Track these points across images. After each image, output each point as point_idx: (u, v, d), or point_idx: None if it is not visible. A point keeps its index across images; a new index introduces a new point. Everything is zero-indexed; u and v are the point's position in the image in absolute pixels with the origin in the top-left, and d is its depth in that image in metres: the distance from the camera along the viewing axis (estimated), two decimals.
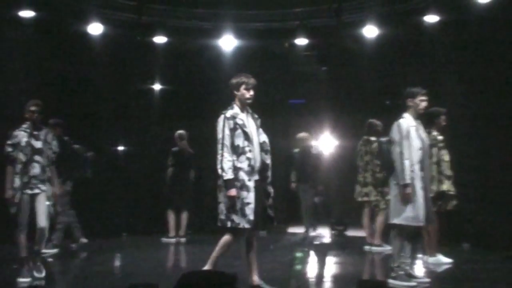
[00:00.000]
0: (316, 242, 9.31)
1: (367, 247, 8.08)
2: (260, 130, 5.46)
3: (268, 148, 5.46)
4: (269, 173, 5.43)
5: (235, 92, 5.45)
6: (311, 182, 9.64)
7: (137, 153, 10.81)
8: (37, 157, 6.08)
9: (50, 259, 7.41)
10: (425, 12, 9.07)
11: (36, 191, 6.05)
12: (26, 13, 8.75)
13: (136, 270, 6.88)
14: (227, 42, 10.20)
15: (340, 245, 9.18)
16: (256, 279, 5.42)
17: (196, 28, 10.32)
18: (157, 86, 11.31)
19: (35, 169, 6.06)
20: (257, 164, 5.33)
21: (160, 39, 10.07)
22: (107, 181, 9.94)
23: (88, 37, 9.42)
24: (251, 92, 5.39)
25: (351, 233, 10.04)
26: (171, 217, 9.09)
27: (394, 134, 5.88)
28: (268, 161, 5.43)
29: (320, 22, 10.21)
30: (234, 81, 5.46)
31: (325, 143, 11.51)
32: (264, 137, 5.45)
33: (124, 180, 10.33)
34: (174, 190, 9.08)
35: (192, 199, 9.31)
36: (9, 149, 6.08)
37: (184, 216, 9.12)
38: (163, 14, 10.09)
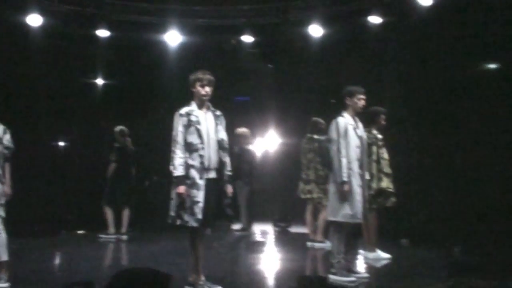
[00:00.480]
0: (252, 240, 9.33)
1: (309, 244, 8.17)
2: (220, 127, 5.38)
3: (226, 146, 5.39)
4: (227, 171, 5.37)
5: (192, 89, 5.39)
6: (246, 179, 9.56)
7: (77, 149, 10.56)
8: None
9: None
10: (369, 13, 9.25)
11: None
12: None
13: (74, 268, 6.73)
14: (173, 38, 10.09)
15: (283, 241, 9.26)
16: (200, 277, 5.38)
17: (140, 22, 10.15)
18: (99, 81, 11.08)
19: None
20: (212, 162, 5.27)
21: (103, 33, 9.86)
22: (45, 177, 9.65)
23: (27, 28, 9.11)
24: (207, 89, 5.32)
25: (294, 229, 10.12)
26: (109, 213, 8.90)
27: (332, 132, 5.96)
28: (226, 159, 5.36)
29: (267, 20, 10.25)
30: (190, 77, 5.41)
31: (269, 140, 11.56)
32: (222, 134, 5.37)
33: (63, 176, 10.07)
34: (116, 186, 8.91)
35: (133, 196, 9.16)
36: None
37: (126, 213, 8.97)
38: (107, 6, 9.88)
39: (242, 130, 9.75)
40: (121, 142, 9.02)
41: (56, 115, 10.13)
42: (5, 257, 5.56)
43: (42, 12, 9.09)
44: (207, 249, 5.75)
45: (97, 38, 9.90)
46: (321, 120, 8.20)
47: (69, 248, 8.42)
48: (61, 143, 11.11)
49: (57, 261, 7.88)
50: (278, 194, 11.02)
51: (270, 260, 7.79)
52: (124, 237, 8.92)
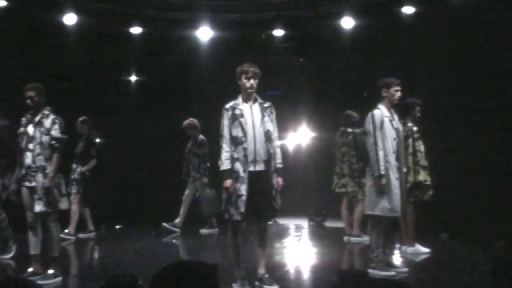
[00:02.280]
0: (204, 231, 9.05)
1: (346, 238, 8.11)
2: (267, 118, 5.33)
3: (273, 137, 5.34)
4: (274, 163, 5.32)
5: (238, 82, 5.39)
6: (195, 174, 8.91)
7: (113, 144, 10.68)
8: (30, 145, 5.64)
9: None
10: (402, 3, 9.11)
11: (33, 183, 5.62)
12: None
13: (118, 262, 6.89)
14: (204, 33, 10.12)
15: (319, 236, 9.22)
16: (260, 271, 5.38)
17: (172, 19, 10.23)
18: (133, 78, 11.19)
19: (28, 159, 5.64)
20: (258, 155, 5.23)
21: (135, 30, 9.95)
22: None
23: (63, 27, 9.26)
24: (251, 81, 5.30)
25: (329, 224, 10.07)
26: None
27: (368, 124, 5.90)
28: (272, 150, 5.31)
29: (298, 13, 10.19)
30: (237, 70, 5.40)
31: (302, 134, 11.51)
32: (269, 126, 5.32)
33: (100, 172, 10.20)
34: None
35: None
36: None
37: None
38: (139, 4, 9.97)
39: (189, 120, 9.04)
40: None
41: (93, 112, 10.25)
42: (56, 253, 5.72)
43: (77, 11, 9.22)
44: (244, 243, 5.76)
45: (129, 35, 9.99)
46: (354, 113, 8.12)
47: (110, 242, 8.56)
48: (97, 139, 11.23)
49: (101, 255, 8.05)
50: (312, 189, 10.97)
51: (308, 255, 7.76)
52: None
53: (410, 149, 6.88)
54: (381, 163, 5.73)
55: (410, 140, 6.88)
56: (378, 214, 5.82)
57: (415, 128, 7.04)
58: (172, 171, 9.52)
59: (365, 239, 7.57)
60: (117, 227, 9.82)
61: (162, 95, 10.72)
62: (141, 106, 10.78)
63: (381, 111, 5.94)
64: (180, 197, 9.06)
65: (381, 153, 5.77)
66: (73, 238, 8.37)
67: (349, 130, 7.97)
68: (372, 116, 5.91)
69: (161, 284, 2.15)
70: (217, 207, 7.57)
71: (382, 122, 5.86)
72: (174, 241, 8.69)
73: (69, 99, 9.77)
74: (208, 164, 8.88)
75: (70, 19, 9.21)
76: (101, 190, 9.52)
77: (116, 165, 10.36)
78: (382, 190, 5.74)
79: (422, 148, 7.00)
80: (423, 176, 6.92)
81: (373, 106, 6.06)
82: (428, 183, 6.96)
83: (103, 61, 10.28)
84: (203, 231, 9.04)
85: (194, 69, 10.63)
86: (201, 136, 9.01)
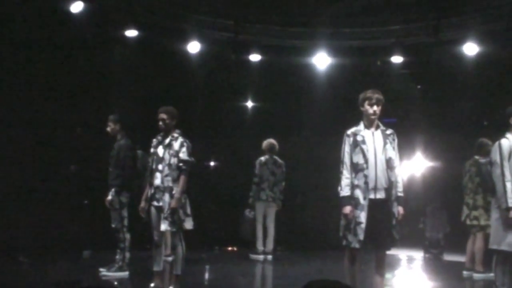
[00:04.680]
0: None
1: (466, 273, 7.68)
2: (388, 145, 5.27)
3: (394, 164, 5.26)
4: (395, 191, 5.23)
5: (361, 108, 5.38)
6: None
7: (227, 169, 11.01)
8: (159, 166, 5.87)
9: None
10: None
11: (161, 203, 5.84)
12: (131, 33, 9.26)
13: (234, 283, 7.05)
14: (321, 60, 10.23)
15: (436, 269, 8.83)
16: None
17: (290, 46, 10.44)
18: (249, 103, 11.54)
19: (157, 180, 5.87)
20: (379, 182, 5.16)
21: (255, 57, 10.29)
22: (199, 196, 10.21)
23: (187, 55, 9.81)
24: (375, 108, 5.27)
25: (447, 257, 9.59)
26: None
27: (495, 154, 5.66)
28: (394, 178, 5.22)
29: (417, 39, 10.00)
30: (360, 96, 5.40)
31: (417, 163, 11.19)
32: (391, 153, 5.25)
33: (214, 194, 10.55)
34: None
35: None
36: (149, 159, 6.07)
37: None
38: (258, 32, 10.31)
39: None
40: None
41: (208, 135, 10.68)
42: (179, 271, 5.96)
43: (200, 40, 9.73)
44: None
45: (249, 62, 10.35)
46: (488, 141, 7.71)
47: (223, 263, 8.75)
48: (212, 163, 11.64)
49: (216, 275, 8.22)
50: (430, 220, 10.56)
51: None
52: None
53: None
54: (509, 194, 5.46)
55: None
56: (504, 249, 5.52)
57: None
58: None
59: (490, 275, 7.13)
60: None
61: (278, 121, 10.92)
62: (256, 132, 11.06)
63: (509, 141, 5.68)
64: None
65: (509, 185, 5.50)
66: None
67: (482, 160, 7.55)
68: (499, 145, 5.66)
69: None
70: None
71: (510, 152, 5.60)
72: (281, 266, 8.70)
73: (189, 122, 10.28)
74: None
75: (194, 47, 9.75)
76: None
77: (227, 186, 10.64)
78: (510, 223, 5.44)
79: None
80: None
81: (495, 135, 5.81)
82: None
83: (223, 87, 10.71)
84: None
85: (311, 96, 10.74)
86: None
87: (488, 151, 7.45)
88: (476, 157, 7.70)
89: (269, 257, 8.98)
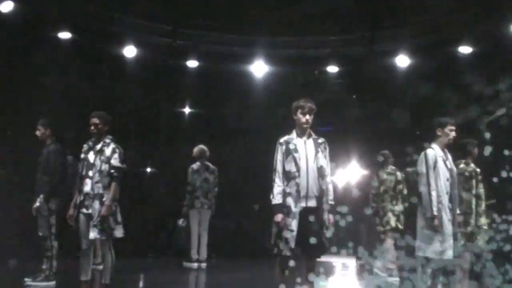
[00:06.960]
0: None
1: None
2: (320, 154, 5.29)
3: (325, 173, 5.29)
4: (326, 199, 5.26)
5: (294, 117, 5.40)
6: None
7: (163, 176, 10.88)
8: (90, 173, 5.70)
9: None
10: (458, 43, 9.03)
11: (90, 210, 5.66)
12: (64, 35, 9.01)
13: None
14: (259, 68, 10.28)
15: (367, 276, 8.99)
16: None
17: (228, 53, 10.45)
18: (187, 109, 11.45)
19: (87, 186, 5.69)
20: (310, 190, 5.20)
21: (192, 63, 10.22)
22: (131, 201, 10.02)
23: (123, 59, 9.63)
24: (307, 117, 5.30)
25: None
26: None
27: (421, 164, 5.81)
28: (325, 186, 5.26)
29: (352, 50, 10.24)
30: (293, 105, 5.41)
31: (352, 171, 11.41)
32: (322, 162, 5.28)
33: (148, 200, 10.39)
34: None
35: None
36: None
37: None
38: (196, 38, 10.26)
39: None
40: None
41: (144, 141, 10.52)
42: (107, 281, 5.79)
43: (137, 44, 9.59)
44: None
45: (186, 68, 10.27)
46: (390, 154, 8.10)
47: (156, 272, 8.59)
48: (148, 169, 11.46)
49: (146, 284, 8.01)
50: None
51: None
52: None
53: (474, 191, 6.68)
54: (434, 203, 5.61)
55: (473, 181, 6.70)
56: (429, 256, 5.67)
57: (478, 170, 6.84)
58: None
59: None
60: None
61: (214, 127, 10.89)
62: (191, 137, 10.98)
63: (434, 151, 5.85)
64: None
65: (434, 194, 5.65)
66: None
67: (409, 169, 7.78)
68: (425, 155, 5.81)
69: None
70: None
71: (435, 162, 5.76)
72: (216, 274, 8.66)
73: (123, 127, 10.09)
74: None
75: (130, 51, 9.59)
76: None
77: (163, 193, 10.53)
78: (435, 231, 5.60)
79: (482, 190, 6.79)
80: (484, 220, 6.68)
81: (426, 145, 5.97)
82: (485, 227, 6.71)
83: (159, 92, 10.58)
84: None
85: (248, 103, 10.77)
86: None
87: (391, 163, 7.85)
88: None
89: (203, 265, 8.88)
